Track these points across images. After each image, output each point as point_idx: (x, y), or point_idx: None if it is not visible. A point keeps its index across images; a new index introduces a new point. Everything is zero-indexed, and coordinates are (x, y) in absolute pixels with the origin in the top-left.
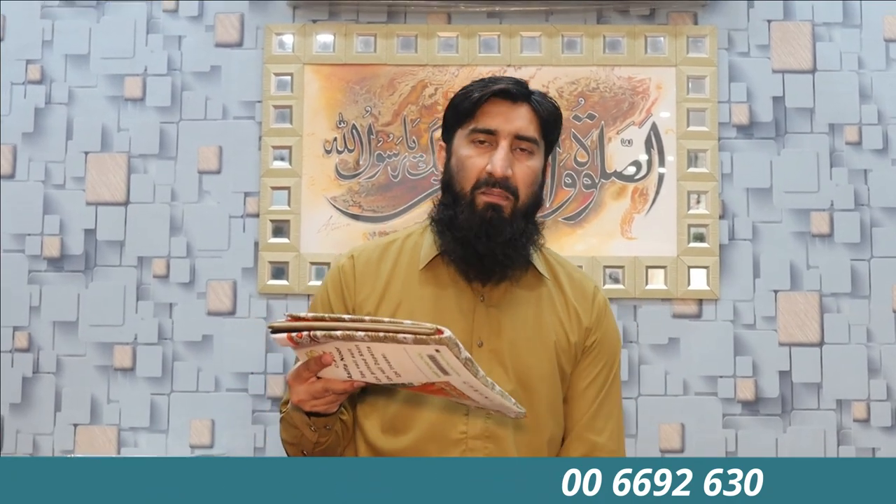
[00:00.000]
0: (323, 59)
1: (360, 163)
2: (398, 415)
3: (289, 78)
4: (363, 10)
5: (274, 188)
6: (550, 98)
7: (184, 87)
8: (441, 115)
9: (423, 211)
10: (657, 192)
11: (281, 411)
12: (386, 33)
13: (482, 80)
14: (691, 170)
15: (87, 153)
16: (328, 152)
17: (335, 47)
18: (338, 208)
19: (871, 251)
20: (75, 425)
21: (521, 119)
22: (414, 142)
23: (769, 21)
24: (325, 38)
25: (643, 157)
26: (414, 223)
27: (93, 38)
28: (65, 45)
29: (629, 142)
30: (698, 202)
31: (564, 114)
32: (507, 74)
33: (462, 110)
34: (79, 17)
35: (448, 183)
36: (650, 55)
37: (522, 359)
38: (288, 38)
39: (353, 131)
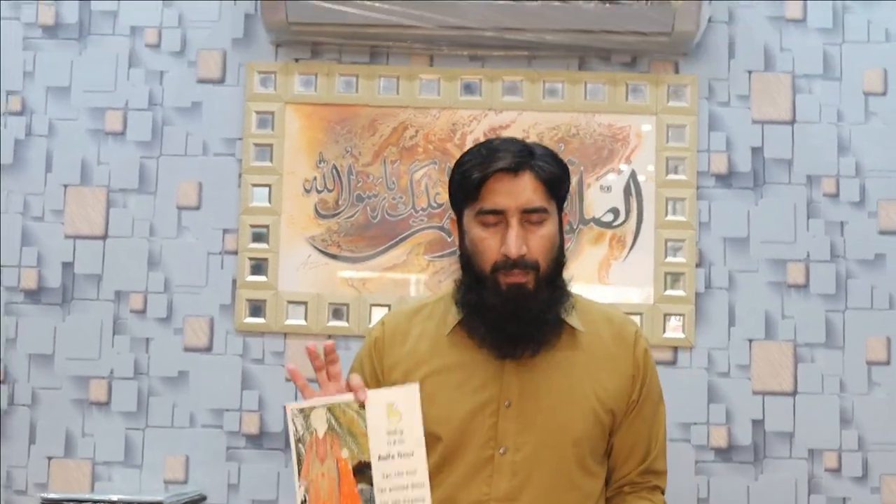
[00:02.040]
0: (304, 99)
1: (340, 202)
2: None
3: (270, 116)
4: (346, 50)
5: (253, 226)
6: (552, 155)
7: (165, 122)
8: (421, 156)
9: (402, 252)
10: (635, 239)
11: None
12: (368, 74)
13: (480, 150)
14: (669, 218)
15: (66, 186)
16: (308, 191)
17: (317, 87)
18: (316, 247)
19: (846, 302)
20: (49, 458)
21: (525, 192)
22: (394, 183)
23: (750, 72)
24: (307, 77)
25: (621, 204)
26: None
27: (74, 71)
28: (46, 76)
29: (608, 188)
30: (676, 250)
31: None
32: (494, 125)
33: (464, 190)
34: (61, 50)
35: (467, 264)
36: (631, 103)
37: (554, 417)
38: (270, 77)
39: (334, 171)
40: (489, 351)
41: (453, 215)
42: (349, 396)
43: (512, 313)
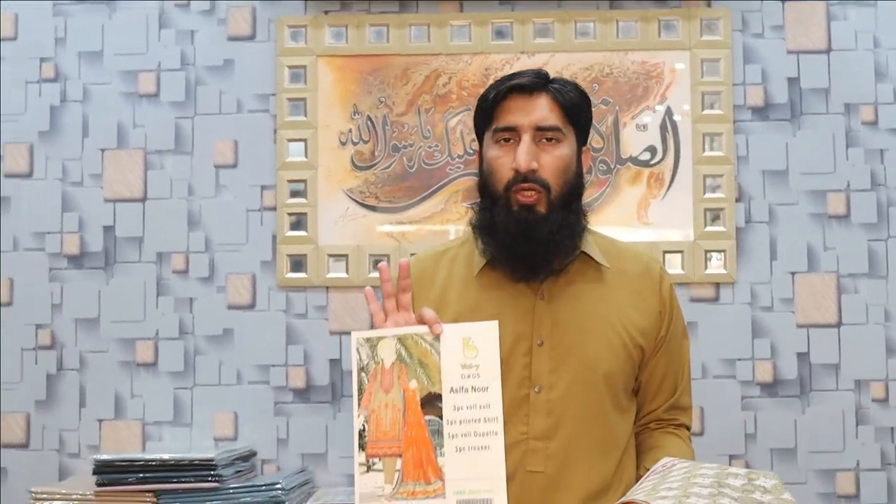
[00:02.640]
0: (336, 51)
1: (376, 154)
2: None
3: (302, 70)
4: (375, 0)
5: (290, 181)
6: (573, 84)
7: (198, 82)
8: (455, 103)
9: (439, 200)
10: (673, 177)
11: None
12: (398, 23)
13: (501, 78)
14: (707, 153)
15: (103, 150)
16: (343, 144)
17: (348, 38)
18: (354, 200)
19: (889, 231)
20: (100, 421)
21: (540, 110)
22: (429, 131)
23: (783, 1)
24: (337, 29)
25: (658, 142)
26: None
27: (105, 35)
28: (78, 42)
29: (644, 127)
30: (715, 186)
31: None
32: (526, 67)
33: (483, 112)
34: (91, 14)
35: (483, 186)
36: (663, 39)
37: (586, 354)
38: (300, 31)
39: (368, 122)
40: (503, 272)
41: (477, 147)
42: (423, 328)
43: (522, 233)
